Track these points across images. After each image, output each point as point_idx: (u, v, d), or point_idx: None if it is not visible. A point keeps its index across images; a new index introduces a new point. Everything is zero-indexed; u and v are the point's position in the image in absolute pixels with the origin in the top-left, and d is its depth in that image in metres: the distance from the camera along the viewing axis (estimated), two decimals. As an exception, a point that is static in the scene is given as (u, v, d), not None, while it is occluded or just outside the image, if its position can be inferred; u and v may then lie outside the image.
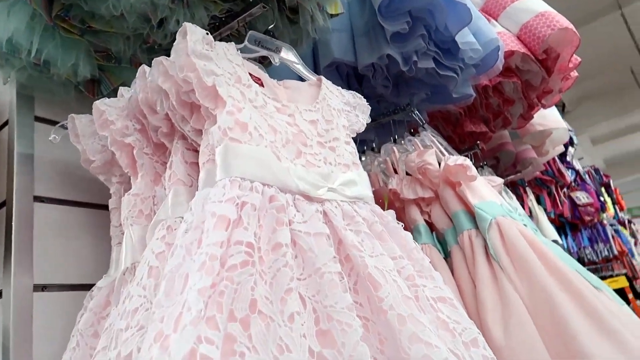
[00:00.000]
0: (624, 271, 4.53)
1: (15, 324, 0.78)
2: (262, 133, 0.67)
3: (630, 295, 3.60)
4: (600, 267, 4.27)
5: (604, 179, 5.39)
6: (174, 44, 0.68)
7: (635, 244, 6.10)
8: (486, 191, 1.14)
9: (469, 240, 1.07)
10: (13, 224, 0.82)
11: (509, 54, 1.55)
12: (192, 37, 0.68)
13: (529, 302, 0.94)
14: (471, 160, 1.74)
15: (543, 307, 0.91)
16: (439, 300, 0.66)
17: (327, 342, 0.52)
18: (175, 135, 0.77)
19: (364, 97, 1.40)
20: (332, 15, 1.06)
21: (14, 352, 0.76)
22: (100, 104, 0.75)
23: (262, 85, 0.78)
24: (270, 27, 0.90)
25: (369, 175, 1.33)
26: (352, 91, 0.92)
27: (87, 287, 0.81)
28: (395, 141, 1.31)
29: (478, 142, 1.80)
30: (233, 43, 0.77)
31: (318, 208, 0.66)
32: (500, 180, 1.38)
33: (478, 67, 1.42)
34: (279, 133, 0.70)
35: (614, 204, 5.41)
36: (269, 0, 0.91)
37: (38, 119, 0.92)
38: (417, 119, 1.35)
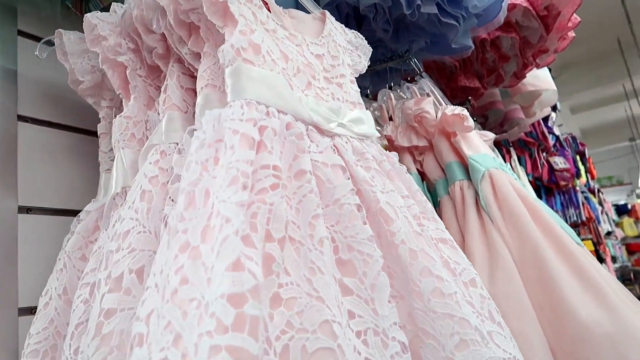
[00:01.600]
0: (589, 236, 4.70)
1: (0, 246, 0.75)
2: (275, 58, 0.64)
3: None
4: (568, 231, 4.40)
5: (580, 147, 5.50)
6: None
7: (602, 212, 6.32)
8: (480, 144, 1.13)
9: (460, 190, 1.07)
10: (-5, 143, 0.78)
11: (511, 7, 1.52)
12: None
13: (516, 254, 0.95)
14: (461, 115, 1.75)
15: (530, 259, 0.93)
16: (440, 241, 0.66)
17: (348, 271, 0.52)
18: (171, 58, 0.73)
19: None
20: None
21: (-3, 273, 0.74)
22: (92, 17, 0.69)
23: (269, 10, 0.74)
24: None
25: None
26: (354, 31, 0.88)
27: (74, 212, 0.78)
28: (391, 88, 1.28)
29: (470, 97, 1.79)
30: (240, -38, 0.71)
31: (329, 142, 0.64)
32: (492, 135, 1.38)
33: (480, 17, 1.38)
34: (290, 61, 0.67)
35: (586, 172, 5.55)
36: None
37: (21, 33, 0.86)
38: (415, 67, 1.32)
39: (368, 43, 1.39)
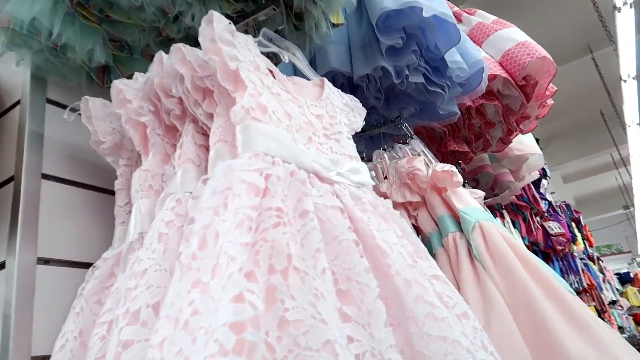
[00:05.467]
0: (592, 304, 4.65)
1: (17, 295, 0.79)
2: (279, 117, 0.73)
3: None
4: (569, 298, 4.36)
5: (575, 214, 5.58)
6: (200, 29, 0.73)
7: (604, 280, 6.28)
8: (470, 198, 1.20)
9: (454, 242, 1.13)
10: (21, 198, 0.85)
11: (492, 78, 1.65)
12: (219, 24, 0.73)
13: (509, 299, 0.99)
14: (453, 179, 1.84)
15: (523, 304, 0.97)
16: (433, 277, 0.71)
17: (346, 300, 0.57)
18: (186, 118, 0.81)
19: None
20: (334, 25, 1.13)
21: (15, 322, 0.77)
22: (118, 83, 0.79)
23: (274, 77, 0.84)
24: (279, 27, 0.97)
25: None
26: (349, 95, 0.98)
27: (89, 265, 0.83)
28: (385, 150, 1.38)
29: (460, 161, 1.89)
30: (251, 36, 0.82)
31: (329, 188, 0.71)
32: (481, 193, 1.45)
33: (464, 86, 1.51)
34: (293, 119, 0.75)
35: (583, 239, 5.59)
36: (278, 4, 0.98)
37: (49, 101, 0.95)
38: (407, 131, 1.42)
39: None
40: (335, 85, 1.42)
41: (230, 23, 0.77)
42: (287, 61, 0.93)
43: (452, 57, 1.38)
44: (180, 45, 0.77)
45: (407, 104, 1.50)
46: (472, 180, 2.32)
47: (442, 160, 1.98)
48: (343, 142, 0.83)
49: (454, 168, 1.17)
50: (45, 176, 0.90)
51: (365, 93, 1.42)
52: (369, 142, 1.61)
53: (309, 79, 0.96)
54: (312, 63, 1.41)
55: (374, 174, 1.33)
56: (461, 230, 1.14)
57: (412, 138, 1.38)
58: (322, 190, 0.68)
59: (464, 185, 1.87)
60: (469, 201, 1.18)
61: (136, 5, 0.87)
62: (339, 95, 0.96)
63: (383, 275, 0.62)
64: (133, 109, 0.78)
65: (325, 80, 0.95)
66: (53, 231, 0.88)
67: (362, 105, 1.49)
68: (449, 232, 1.14)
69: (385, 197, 1.23)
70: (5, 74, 1.01)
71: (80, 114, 0.89)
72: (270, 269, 0.54)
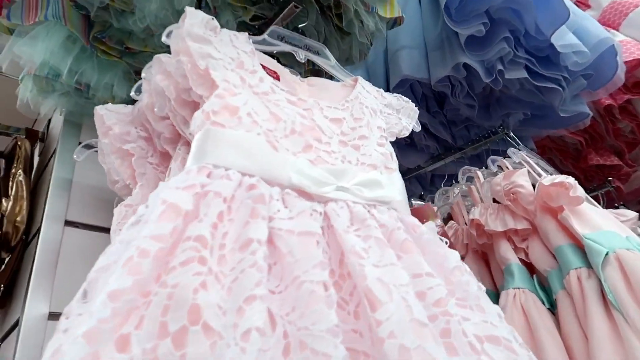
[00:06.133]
0: None
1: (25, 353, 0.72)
2: (258, 120, 0.57)
3: None
4: None
5: None
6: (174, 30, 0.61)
7: None
8: (600, 219, 0.86)
9: (578, 282, 0.80)
10: (37, 249, 0.79)
11: (636, 64, 1.26)
12: (191, 19, 0.61)
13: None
14: (603, 202, 1.42)
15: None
16: (487, 339, 0.45)
17: None
18: (179, 141, 0.69)
19: (448, 123, 1.23)
20: (387, 21, 0.94)
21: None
22: (99, 109, 0.70)
23: (277, 78, 0.68)
24: (302, 25, 0.82)
25: (451, 209, 1.12)
26: (397, 94, 0.78)
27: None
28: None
29: (610, 178, 1.47)
30: (246, 33, 0.68)
31: (316, 207, 0.51)
32: (633, 215, 1.06)
33: (590, 77, 1.16)
34: (282, 122, 0.59)
35: None
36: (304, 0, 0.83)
37: (84, 145, 0.91)
38: (512, 141, 1.12)
39: (457, 124, 1.25)
40: (415, 97, 1.21)
41: (212, 19, 0.64)
42: (304, 59, 0.76)
43: (563, 39, 1.06)
44: (162, 55, 0.65)
45: (512, 109, 1.20)
46: (637, 203, 1.81)
47: (586, 179, 1.58)
48: (366, 148, 0.63)
49: (570, 179, 0.85)
50: (69, 223, 0.84)
51: (452, 103, 1.17)
52: (473, 162, 1.33)
53: (341, 80, 0.77)
54: (386, 74, 1.22)
55: (468, 197, 1.05)
56: (589, 266, 0.80)
57: (518, 149, 1.07)
58: (297, 210, 0.48)
59: (616, 207, 1.45)
60: (599, 223, 0.84)
61: (143, 26, 0.80)
62: (379, 95, 0.75)
63: (371, 337, 0.39)
64: (116, 136, 0.68)
65: (360, 79, 0.76)
66: (70, 280, 0.80)
67: (455, 118, 1.25)
68: (571, 268, 0.81)
69: (479, 226, 0.95)
70: (55, 124, 1.01)
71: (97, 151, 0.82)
72: (161, 330, 0.35)
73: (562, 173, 1.24)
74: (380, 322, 0.39)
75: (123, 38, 0.87)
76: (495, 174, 0.97)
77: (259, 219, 0.45)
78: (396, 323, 0.39)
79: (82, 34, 0.84)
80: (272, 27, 0.74)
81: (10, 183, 0.88)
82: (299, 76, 0.71)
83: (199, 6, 0.81)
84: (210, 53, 0.60)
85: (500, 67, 1.05)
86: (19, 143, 0.95)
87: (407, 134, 0.73)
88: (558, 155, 1.54)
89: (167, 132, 0.68)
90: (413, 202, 1.18)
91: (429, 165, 1.29)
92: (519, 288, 0.87)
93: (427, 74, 1.12)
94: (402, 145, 1.27)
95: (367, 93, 0.73)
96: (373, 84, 0.79)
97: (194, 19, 0.62)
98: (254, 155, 0.52)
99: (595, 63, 1.13)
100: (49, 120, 1.05)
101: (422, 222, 0.64)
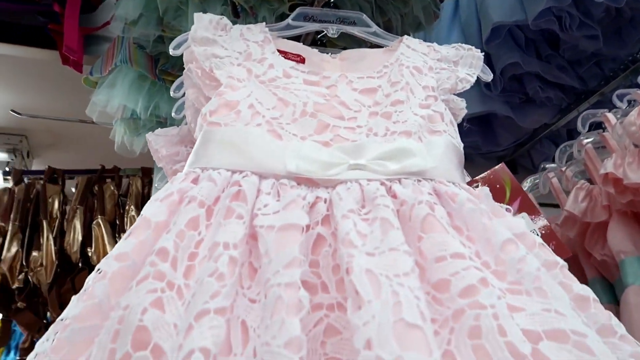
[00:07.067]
0: None
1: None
2: (261, 110, 0.53)
3: None
4: None
5: None
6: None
7: None
8: None
9: None
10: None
11: None
12: (196, 24, 0.60)
13: None
14: None
15: None
16: (547, 335, 0.33)
17: None
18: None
19: (567, 64, 1.04)
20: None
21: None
22: (149, 136, 0.72)
23: (302, 61, 0.62)
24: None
25: (585, 166, 0.91)
26: (456, 44, 0.65)
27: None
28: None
29: None
30: (263, 23, 0.65)
31: (319, 194, 0.45)
32: None
33: None
34: (291, 106, 0.54)
35: None
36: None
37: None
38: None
39: (580, 63, 1.04)
40: (517, 45, 1.03)
41: (222, 18, 0.62)
42: (336, 34, 0.68)
43: None
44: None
45: (653, 25, 0.94)
46: None
47: None
48: (400, 115, 0.54)
49: None
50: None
51: (566, 40, 0.96)
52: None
53: (384, 45, 0.68)
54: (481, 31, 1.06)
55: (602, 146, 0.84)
56: None
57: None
58: (285, 201, 0.42)
59: None
60: None
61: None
62: (431, 50, 0.65)
63: (341, 348, 0.30)
64: (165, 157, 0.69)
65: (406, 38, 0.65)
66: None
67: (576, 57, 1.02)
68: None
69: (616, 180, 0.75)
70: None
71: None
72: (110, 358, 0.32)
73: None
74: (356, 327, 0.30)
75: (185, 65, 0.89)
76: (628, 113, 0.75)
77: (233, 218, 0.40)
78: (377, 328, 0.29)
79: (149, 70, 0.89)
80: (298, 9, 0.68)
81: (125, 219, 0.96)
82: (329, 53, 0.64)
83: (236, 13, 0.79)
84: (215, 53, 0.58)
85: (616, -23, 0.83)
86: (130, 182, 1.04)
87: (469, 86, 0.61)
88: None
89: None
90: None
91: (557, 120, 1.08)
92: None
93: (523, 14, 0.93)
94: (517, 105, 1.08)
95: (412, 51, 0.63)
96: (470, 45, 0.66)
97: (199, 22, 0.60)
98: (244, 150, 0.49)
99: None
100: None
101: (495, 189, 0.51)
